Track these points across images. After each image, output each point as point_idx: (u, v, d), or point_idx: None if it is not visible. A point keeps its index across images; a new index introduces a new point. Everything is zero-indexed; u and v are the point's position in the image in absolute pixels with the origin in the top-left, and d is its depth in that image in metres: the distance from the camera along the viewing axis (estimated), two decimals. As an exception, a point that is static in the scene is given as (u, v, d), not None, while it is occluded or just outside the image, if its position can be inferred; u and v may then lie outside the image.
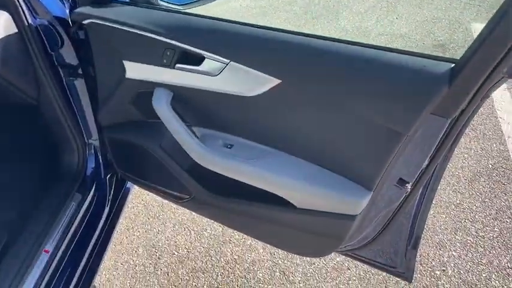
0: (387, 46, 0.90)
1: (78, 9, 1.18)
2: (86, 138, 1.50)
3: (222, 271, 1.90)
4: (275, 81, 0.97)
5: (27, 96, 1.37)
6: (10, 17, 1.18)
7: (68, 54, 1.30)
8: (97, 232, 1.54)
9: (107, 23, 1.12)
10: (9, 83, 1.30)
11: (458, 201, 2.23)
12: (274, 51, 0.97)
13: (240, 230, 1.47)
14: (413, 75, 0.82)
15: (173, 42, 1.06)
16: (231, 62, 1.01)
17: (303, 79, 0.96)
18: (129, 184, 1.75)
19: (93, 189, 1.56)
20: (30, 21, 1.18)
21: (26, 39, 1.20)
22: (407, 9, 4.53)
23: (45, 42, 1.24)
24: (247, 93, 1.03)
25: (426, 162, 0.96)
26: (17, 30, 1.20)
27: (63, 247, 1.38)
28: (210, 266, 1.92)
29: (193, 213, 1.89)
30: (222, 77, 1.03)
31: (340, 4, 4.73)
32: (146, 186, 1.55)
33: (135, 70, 1.18)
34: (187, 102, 1.18)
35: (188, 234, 2.07)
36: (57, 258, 1.36)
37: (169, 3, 1.33)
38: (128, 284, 1.85)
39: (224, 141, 1.21)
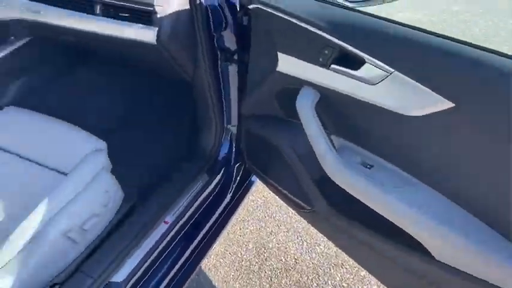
0: None
1: None
2: (225, 123, 1.52)
3: (327, 295, 1.75)
4: (446, 104, 0.79)
5: (184, 71, 1.43)
6: None
7: (229, 38, 1.31)
8: (215, 215, 1.55)
9: (269, 10, 1.07)
10: (172, 56, 1.37)
11: None
12: (454, 68, 0.79)
13: (357, 260, 1.31)
14: None
15: (334, 39, 0.95)
16: (396, 72, 0.86)
17: (486, 108, 0.76)
18: (253, 177, 1.73)
19: (220, 174, 1.58)
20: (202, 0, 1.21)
21: (195, 16, 1.23)
22: None
23: (211, 23, 1.26)
24: (408, 111, 0.87)
25: None
26: (188, 7, 1.25)
27: (182, 222, 1.42)
28: (315, 285, 1.79)
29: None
30: (381, 87, 0.89)
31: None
32: (269, 184, 1.50)
33: (287, 64, 1.11)
34: (333, 108, 1.07)
35: (300, 244, 1.96)
36: (175, 231, 1.40)
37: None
38: (232, 276, 1.84)
39: (363, 159, 1.07)
